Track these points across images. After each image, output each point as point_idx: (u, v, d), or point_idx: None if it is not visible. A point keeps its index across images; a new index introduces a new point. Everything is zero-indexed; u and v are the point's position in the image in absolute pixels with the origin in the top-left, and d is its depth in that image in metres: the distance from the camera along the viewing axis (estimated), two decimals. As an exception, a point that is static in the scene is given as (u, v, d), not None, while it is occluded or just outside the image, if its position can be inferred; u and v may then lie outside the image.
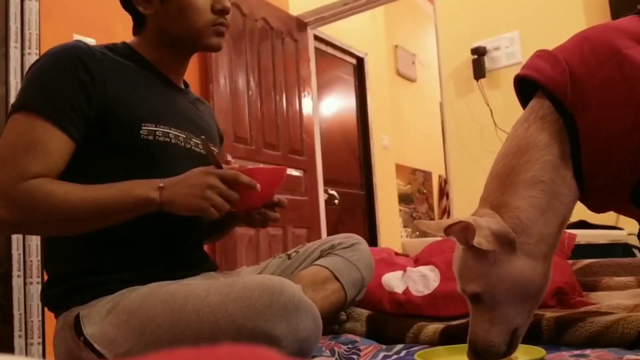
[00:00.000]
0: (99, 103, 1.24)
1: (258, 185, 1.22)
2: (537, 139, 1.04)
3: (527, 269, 1.00)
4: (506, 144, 1.09)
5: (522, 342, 1.24)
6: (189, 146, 1.39)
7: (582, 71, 1.03)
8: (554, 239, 1.05)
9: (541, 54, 1.11)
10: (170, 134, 1.33)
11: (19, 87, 2.26)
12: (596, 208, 1.14)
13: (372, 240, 5.04)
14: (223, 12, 1.39)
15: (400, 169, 5.90)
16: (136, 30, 1.43)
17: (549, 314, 1.43)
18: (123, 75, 1.31)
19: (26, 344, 2.22)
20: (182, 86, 1.51)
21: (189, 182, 1.20)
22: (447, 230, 0.99)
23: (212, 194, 1.18)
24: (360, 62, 5.36)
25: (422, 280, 1.81)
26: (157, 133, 1.30)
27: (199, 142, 1.41)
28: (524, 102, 1.17)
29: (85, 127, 1.24)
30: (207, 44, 1.41)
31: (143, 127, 1.28)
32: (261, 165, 1.31)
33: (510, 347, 1.05)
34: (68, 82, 1.22)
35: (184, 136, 1.37)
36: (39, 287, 2.26)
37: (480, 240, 0.96)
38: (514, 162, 1.04)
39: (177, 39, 1.39)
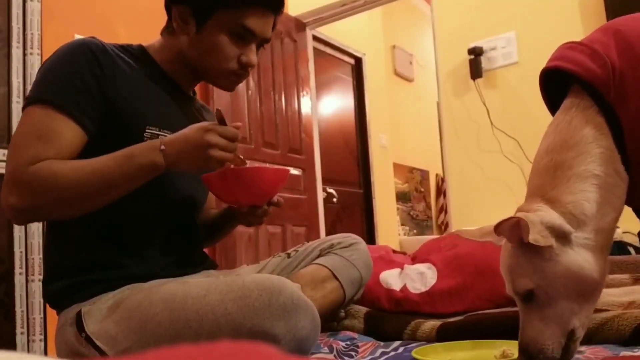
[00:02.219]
0: (108, 99, 1.26)
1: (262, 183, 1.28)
2: (582, 131, 1.00)
3: (584, 262, 0.94)
4: (548, 139, 1.04)
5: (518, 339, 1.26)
6: None
7: (623, 64, 1.00)
8: (610, 233, 1.00)
9: (574, 46, 1.07)
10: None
11: (21, 86, 2.27)
12: (634, 201, 1.10)
13: (370, 238, 5.06)
14: (247, 65, 1.38)
15: (397, 167, 5.91)
16: (164, 33, 1.43)
17: (544, 311, 1.44)
18: (132, 77, 1.32)
19: (28, 340, 2.22)
20: (191, 94, 1.52)
21: (191, 144, 1.20)
22: (497, 228, 0.93)
23: (214, 151, 1.19)
24: (358, 62, 5.37)
25: (419, 278, 1.82)
26: (160, 136, 1.30)
27: None
28: (547, 94, 1.15)
29: (98, 120, 1.25)
30: (220, 85, 1.44)
31: (147, 130, 1.29)
32: (267, 165, 1.36)
33: (567, 352, 0.95)
34: (82, 74, 1.23)
35: None
36: (41, 284, 2.26)
37: (535, 237, 0.89)
38: (563, 157, 0.99)
39: (195, 66, 1.40)
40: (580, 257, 0.94)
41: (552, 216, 0.94)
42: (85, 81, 1.23)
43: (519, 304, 0.99)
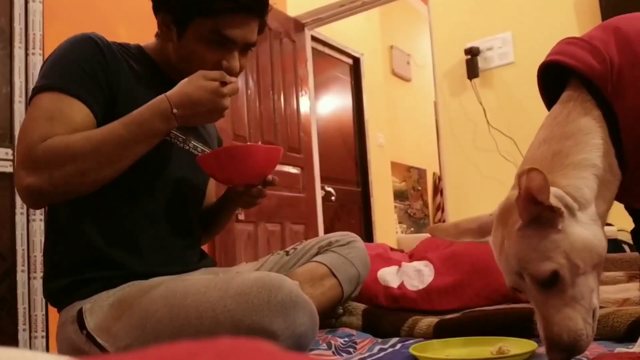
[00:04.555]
0: (112, 90, 1.27)
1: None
2: (580, 123, 0.99)
3: (593, 235, 0.92)
4: (545, 130, 1.03)
5: (514, 336, 1.26)
6: (187, 148, 1.42)
7: (622, 61, 1.01)
8: (604, 220, 0.98)
9: (574, 41, 1.08)
10: (170, 133, 1.35)
11: (23, 86, 2.28)
12: (631, 199, 1.09)
13: (368, 236, 5.06)
14: (227, 71, 1.32)
15: (395, 166, 5.92)
16: (157, 37, 1.44)
17: (540, 308, 1.45)
18: (132, 73, 1.34)
19: (30, 337, 2.23)
20: None
21: (202, 106, 1.24)
22: (520, 198, 0.85)
23: (219, 99, 1.24)
24: (356, 62, 5.37)
25: (416, 275, 1.83)
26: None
27: (197, 146, 1.45)
28: (544, 89, 1.14)
29: (105, 106, 1.26)
30: None
31: None
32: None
33: (592, 333, 0.91)
34: (89, 62, 1.25)
35: (183, 137, 1.40)
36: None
37: (553, 198, 0.85)
38: (560, 146, 0.98)
39: (180, 71, 1.39)
40: (589, 230, 0.92)
41: (556, 189, 0.91)
42: (93, 68, 1.25)
43: (534, 293, 0.92)
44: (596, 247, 0.92)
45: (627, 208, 1.26)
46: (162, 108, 1.21)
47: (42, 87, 1.24)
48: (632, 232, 1.29)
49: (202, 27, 1.30)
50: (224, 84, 1.26)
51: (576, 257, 0.90)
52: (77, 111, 1.22)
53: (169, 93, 1.23)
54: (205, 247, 1.60)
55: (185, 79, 1.25)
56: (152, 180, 1.34)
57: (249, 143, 1.37)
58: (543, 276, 0.89)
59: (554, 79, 1.11)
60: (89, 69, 1.25)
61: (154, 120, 1.21)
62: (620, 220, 1.26)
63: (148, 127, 1.21)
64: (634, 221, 1.30)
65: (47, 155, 1.16)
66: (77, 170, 1.17)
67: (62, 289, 1.29)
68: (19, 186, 1.19)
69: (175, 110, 1.21)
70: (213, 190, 1.65)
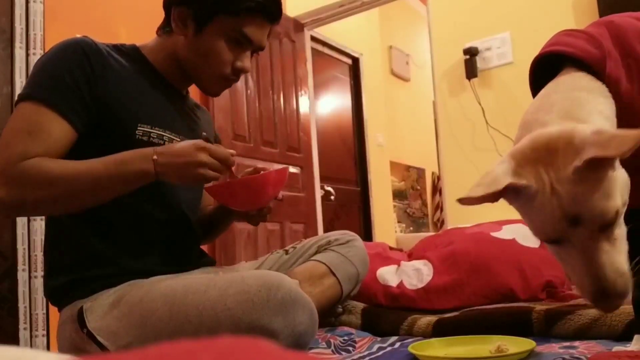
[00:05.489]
0: (99, 98, 1.26)
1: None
2: (592, 85, 0.95)
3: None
4: (548, 89, 0.99)
5: (513, 335, 1.27)
6: None
7: (616, 50, 1.01)
8: None
9: (570, 32, 1.07)
10: (164, 137, 1.34)
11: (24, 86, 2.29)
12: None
13: (367, 235, 5.06)
14: (240, 71, 1.40)
15: (394, 166, 5.93)
16: (161, 32, 1.44)
17: (539, 307, 1.45)
18: (124, 76, 1.33)
19: (31, 336, 2.23)
20: (184, 93, 1.53)
21: (183, 159, 1.20)
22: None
23: (204, 170, 1.20)
24: (355, 62, 5.38)
25: (415, 274, 1.83)
26: (152, 134, 1.31)
27: None
28: (536, 84, 1.11)
29: (87, 118, 1.26)
30: (207, 89, 1.44)
31: (139, 128, 1.30)
32: (273, 167, 1.37)
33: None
34: (72, 72, 1.24)
35: (179, 140, 1.38)
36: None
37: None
38: (575, 95, 0.92)
39: (187, 68, 1.41)
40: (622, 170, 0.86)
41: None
42: (76, 79, 1.24)
43: (585, 239, 0.80)
44: (628, 185, 0.86)
45: None
46: (145, 152, 1.21)
47: (24, 96, 1.24)
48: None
49: (224, 24, 1.34)
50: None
51: (625, 194, 0.82)
52: (56, 125, 1.22)
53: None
54: (205, 246, 1.61)
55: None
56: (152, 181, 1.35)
57: (261, 172, 1.37)
58: (609, 216, 0.80)
59: (549, 74, 1.11)
60: (71, 80, 1.24)
61: (133, 162, 1.19)
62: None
63: (125, 168, 1.19)
64: None
65: (22, 177, 1.16)
66: (49, 197, 1.18)
67: (63, 287, 1.29)
68: None
69: (155, 157, 1.19)
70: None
